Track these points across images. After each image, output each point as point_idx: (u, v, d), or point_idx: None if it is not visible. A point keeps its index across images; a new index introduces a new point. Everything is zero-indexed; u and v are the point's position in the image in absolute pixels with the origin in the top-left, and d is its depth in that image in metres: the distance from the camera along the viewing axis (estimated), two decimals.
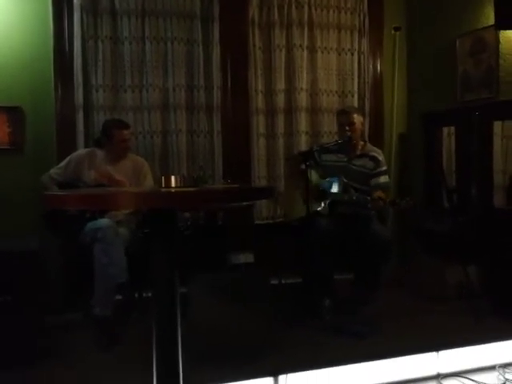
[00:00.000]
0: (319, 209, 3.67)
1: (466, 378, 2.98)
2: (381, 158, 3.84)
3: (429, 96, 4.71)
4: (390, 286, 4.17)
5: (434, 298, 3.93)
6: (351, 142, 3.78)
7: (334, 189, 3.69)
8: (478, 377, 2.99)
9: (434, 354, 3.04)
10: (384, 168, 3.84)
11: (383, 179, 3.81)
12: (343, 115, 3.86)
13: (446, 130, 4.55)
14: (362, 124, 3.96)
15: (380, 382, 2.92)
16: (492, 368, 3.08)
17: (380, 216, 3.89)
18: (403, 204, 3.38)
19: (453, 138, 4.47)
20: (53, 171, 3.60)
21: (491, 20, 3.85)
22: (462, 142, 4.31)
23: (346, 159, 3.85)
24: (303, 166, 3.53)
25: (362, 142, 3.91)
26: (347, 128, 3.75)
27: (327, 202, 3.68)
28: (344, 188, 3.66)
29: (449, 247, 4.03)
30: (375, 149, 3.95)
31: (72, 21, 4.00)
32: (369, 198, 3.58)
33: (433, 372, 3.03)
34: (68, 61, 4.03)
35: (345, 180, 3.68)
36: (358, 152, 3.85)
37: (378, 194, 3.58)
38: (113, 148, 3.62)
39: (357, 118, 3.81)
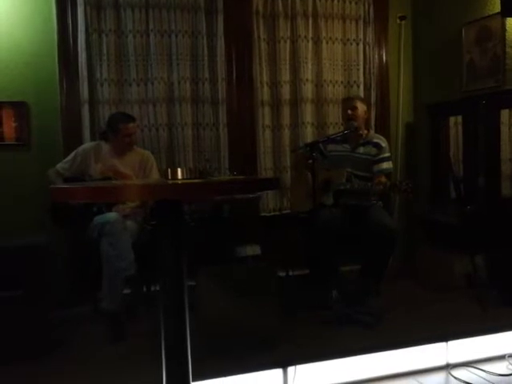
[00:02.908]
0: (324, 200, 3.68)
1: (476, 367, 2.99)
2: (384, 144, 3.85)
3: (435, 85, 4.69)
4: (399, 276, 4.17)
5: (443, 287, 3.93)
6: (357, 131, 3.79)
7: (338, 179, 3.70)
8: (487, 366, 2.99)
9: (443, 344, 3.04)
10: (387, 154, 3.84)
11: (386, 165, 3.82)
12: (347, 101, 3.96)
13: (452, 119, 4.51)
14: (366, 112, 3.94)
15: (389, 373, 2.93)
16: (501, 357, 3.08)
17: (387, 206, 3.88)
18: (403, 186, 3.37)
19: (459, 127, 4.43)
20: (59, 166, 3.61)
21: (497, 8, 3.82)
22: (469, 131, 4.28)
23: (350, 148, 3.87)
24: (310, 159, 3.53)
25: (365, 131, 3.93)
26: (349, 112, 3.79)
27: (331, 192, 3.69)
28: (347, 177, 3.68)
29: (456, 237, 4.01)
30: (379, 136, 3.97)
31: (76, 15, 3.99)
32: (370, 184, 3.60)
33: (442, 362, 3.04)
34: (72, 55, 4.02)
35: (348, 169, 3.70)
36: (362, 140, 3.86)
37: (380, 179, 3.59)
38: (119, 141, 3.62)
39: (359, 105, 3.86)
